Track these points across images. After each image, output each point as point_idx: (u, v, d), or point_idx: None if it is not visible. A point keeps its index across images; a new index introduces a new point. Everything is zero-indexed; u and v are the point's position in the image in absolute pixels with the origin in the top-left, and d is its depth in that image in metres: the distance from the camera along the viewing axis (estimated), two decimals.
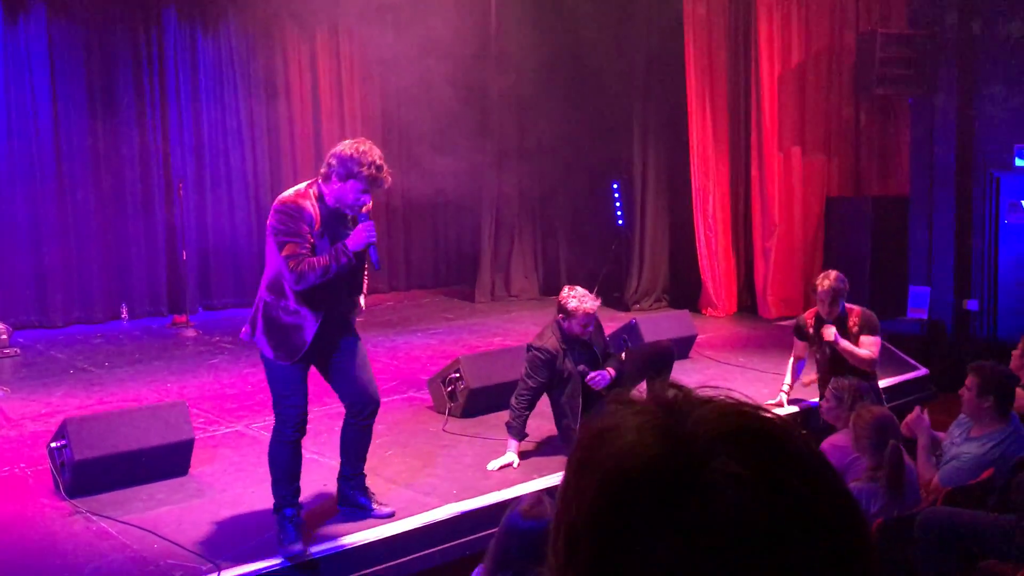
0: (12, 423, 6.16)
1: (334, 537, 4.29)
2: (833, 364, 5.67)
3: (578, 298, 5.22)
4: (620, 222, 11.29)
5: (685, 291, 10.56)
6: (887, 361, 6.69)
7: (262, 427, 5.75)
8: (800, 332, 5.97)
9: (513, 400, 5.22)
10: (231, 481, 5.06)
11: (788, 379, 6.15)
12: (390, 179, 4.10)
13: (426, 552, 4.41)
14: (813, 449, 0.69)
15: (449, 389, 6.24)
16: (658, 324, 8.04)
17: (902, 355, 7.75)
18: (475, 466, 5.25)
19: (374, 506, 4.48)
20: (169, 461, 5.04)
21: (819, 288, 5.67)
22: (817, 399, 5.73)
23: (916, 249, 8.87)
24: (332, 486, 4.63)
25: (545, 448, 5.50)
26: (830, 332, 5.60)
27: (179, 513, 4.59)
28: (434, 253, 12.40)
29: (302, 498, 4.29)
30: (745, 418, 0.68)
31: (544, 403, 5.40)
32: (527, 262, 11.77)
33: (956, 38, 8.43)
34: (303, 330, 4.05)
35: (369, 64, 11.39)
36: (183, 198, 9.95)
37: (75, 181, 9.73)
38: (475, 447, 5.58)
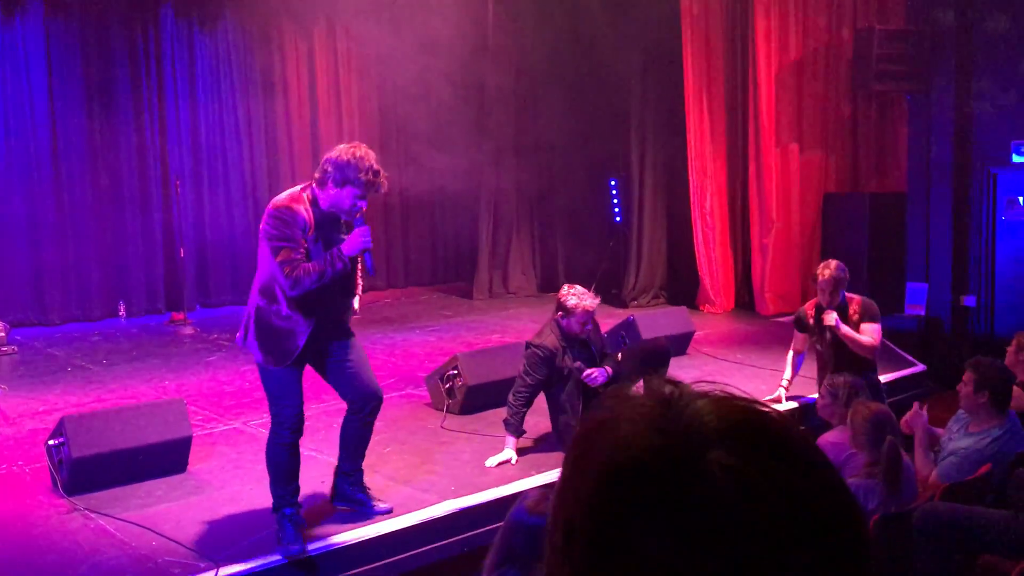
0: (10, 421, 6.16)
1: (332, 535, 4.29)
2: (836, 354, 5.63)
3: (578, 296, 5.23)
4: (618, 219, 11.30)
5: (683, 288, 10.56)
6: (885, 358, 6.69)
7: (260, 424, 5.74)
8: (800, 324, 5.95)
9: (511, 397, 5.23)
10: (229, 478, 5.06)
11: (788, 374, 6.14)
12: (387, 184, 4.07)
13: (424, 549, 4.41)
14: (809, 442, 0.69)
15: (447, 386, 6.24)
16: (656, 321, 8.05)
17: (900, 351, 7.76)
18: (473, 463, 5.25)
19: (372, 503, 4.46)
20: (167, 458, 5.04)
21: (820, 277, 5.66)
22: (815, 395, 5.73)
23: (913, 246, 8.87)
24: (330, 483, 4.62)
25: (543, 444, 5.50)
26: (831, 317, 5.57)
27: (177, 510, 4.58)
28: (432, 250, 12.39)
29: (300, 496, 4.28)
30: (741, 411, 0.68)
31: (541, 400, 5.40)
32: (525, 259, 11.77)
33: (954, 35, 8.43)
34: (295, 335, 4.02)
35: (367, 61, 11.38)
36: (180, 195, 9.93)
37: (72, 179, 9.71)
38: (473, 444, 5.58)
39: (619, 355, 5.75)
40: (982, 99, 8.41)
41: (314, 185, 4.02)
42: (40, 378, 7.37)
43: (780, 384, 6.17)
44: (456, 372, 6.23)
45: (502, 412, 5.32)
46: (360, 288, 4.41)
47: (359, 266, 4.27)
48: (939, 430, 4.85)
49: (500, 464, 5.15)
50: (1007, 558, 3.59)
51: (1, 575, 3.99)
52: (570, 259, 11.71)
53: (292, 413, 4.12)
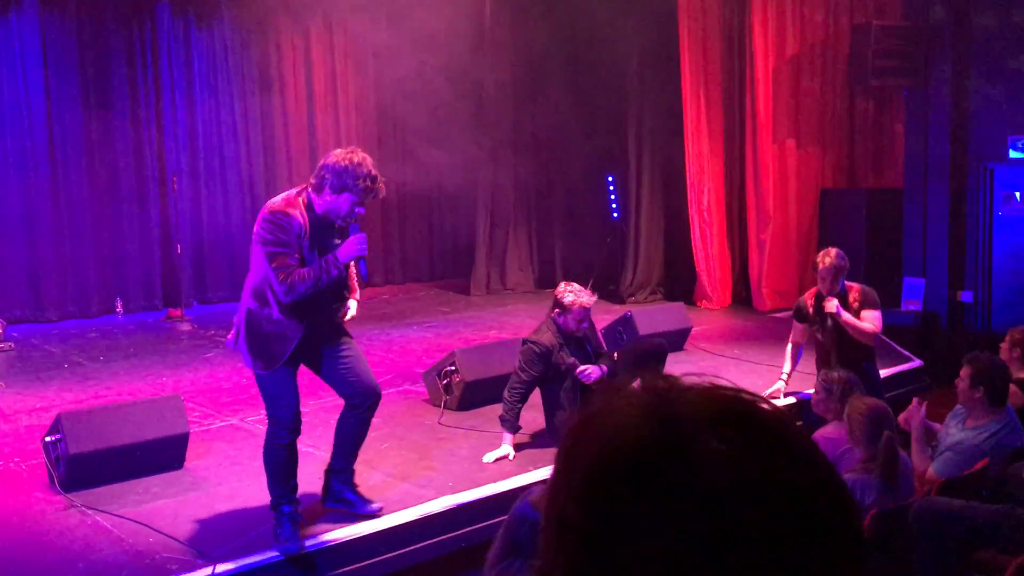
0: (6, 417, 6.15)
1: (330, 532, 4.28)
2: (838, 342, 5.61)
3: (574, 293, 5.22)
4: (615, 215, 11.29)
5: (680, 284, 10.57)
6: (882, 353, 6.69)
7: (257, 420, 5.74)
8: (800, 314, 5.89)
9: (506, 393, 5.23)
10: (226, 475, 5.05)
11: (787, 367, 6.08)
12: (384, 189, 4.04)
13: (422, 545, 4.41)
14: (797, 429, 0.69)
15: (444, 382, 6.24)
16: (653, 317, 8.05)
17: (897, 347, 7.76)
18: (471, 459, 5.25)
19: (361, 503, 4.38)
20: (164, 455, 5.03)
21: (820, 265, 5.62)
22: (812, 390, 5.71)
23: (910, 241, 8.88)
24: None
25: (540, 440, 5.50)
26: (832, 304, 5.54)
27: (174, 507, 4.58)
28: (429, 246, 12.39)
29: (298, 493, 4.27)
30: (730, 401, 0.69)
31: (538, 395, 5.40)
32: (522, 255, 11.76)
33: (951, 30, 8.43)
34: (285, 339, 3.99)
35: (363, 57, 11.37)
36: (177, 192, 9.92)
37: (69, 175, 9.70)
38: (471, 440, 5.58)
39: (615, 354, 5.75)
40: (979, 94, 8.41)
41: (310, 190, 3.97)
42: (37, 375, 7.36)
43: (779, 377, 6.12)
44: (454, 368, 6.23)
45: (500, 408, 5.32)
46: (357, 293, 4.36)
47: (352, 272, 4.24)
48: (936, 425, 4.85)
49: (497, 460, 5.16)
50: (1004, 553, 3.59)
51: None
52: (568, 255, 11.71)
53: (289, 414, 4.10)
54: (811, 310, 5.78)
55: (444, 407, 6.16)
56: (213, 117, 10.60)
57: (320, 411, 5.83)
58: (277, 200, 4.01)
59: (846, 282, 5.74)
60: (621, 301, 10.35)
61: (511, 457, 5.17)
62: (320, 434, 5.40)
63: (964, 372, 4.50)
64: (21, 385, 7.01)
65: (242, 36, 10.71)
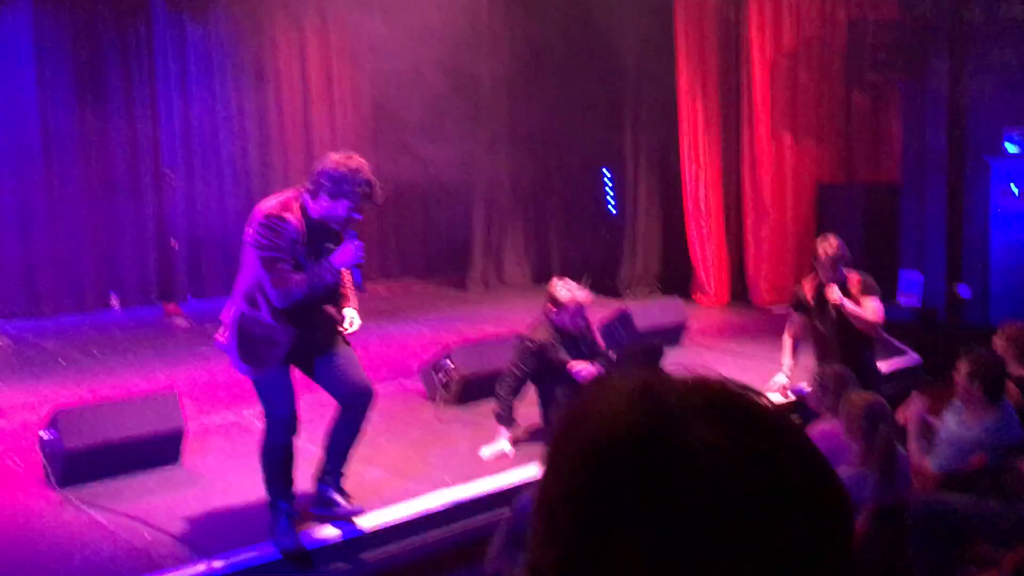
0: (2, 413, 6.13)
1: (327, 527, 4.27)
2: (839, 331, 5.56)
3: (569, 289, 5.20)
4: (612, 209, 11.28)
5: (677, 278, 10.56)
6: (879, 347, 6.68)
7: (253, 415, 5.72)
8: (799, 304, 5.80)
9: (497, 388, 5.22)
10: (223, 471, 5.04)
11: (787, 360, 5.96)
12: (381, 195, 4.01)
13: (419, 540, 4.41)
14: (786, 418, 0.70)
15: (441, 377, 6.23)
16: (650, 311, 8.05)
17: (894, 341, 7.76)
18: (468, 454, 5.25)
19: (343, 505, 4.25)
20: (160, 451, 5.02)
21: (821, 253, 5.53)
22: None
23: (908, 235, 8.88)
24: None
25: (538, 436, 5.49)
26: (835, 292, 5.47)
27: (170, 503, 4.57)
28: (425, 241, 12.37)
29: (295, 489, 4.25)
30: (718, 391, 0.70)
31: (535, 392, 5.40)
32: (519, 250, 11.74)
33: (947, 24, 8.42)
34: (274, 343, 3.96)
35: (359, 50, 11.32)
36: (173, 186, 9.88)
37: (63, 169, 9.66)
38: (468, 435, 5.57)
39: (612, 353, 5.74)
40: (976, 88, 8.40)
41: (306, 193, 3.93)
42: (32, 370, 7.34)
43: (780, 371, 6.00)
44: (450, 363, 6.22)
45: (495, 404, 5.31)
46: (353, 301, 4.33)
47: (347, 278, 4.22)
48: (933, 420, 4.85)
49: (495, 455, 5.15)
50: (1000, 547, 3.59)
51: None
52: (564, 250, 11.69)
53: (286, 414, 4.06)
54: (811, 300, 5.70)
55: (441, 402, 6.15)
56: (208, 111, 10.56)
57: (318, 405, 5.79)
58: (272, 203, 3.93)
59: (845, 271, 5.70)
60: (618, 296, 10.34)
61: (509, 452, 5.17)
62: (317, 428, 5.38)
63: (961, 367, 4.50)
64: (16, 381, 6.98)
65: (237, 30, 10.66)
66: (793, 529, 0.63)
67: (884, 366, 6.99)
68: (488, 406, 5.82)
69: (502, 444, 5.18)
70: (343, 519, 4.25)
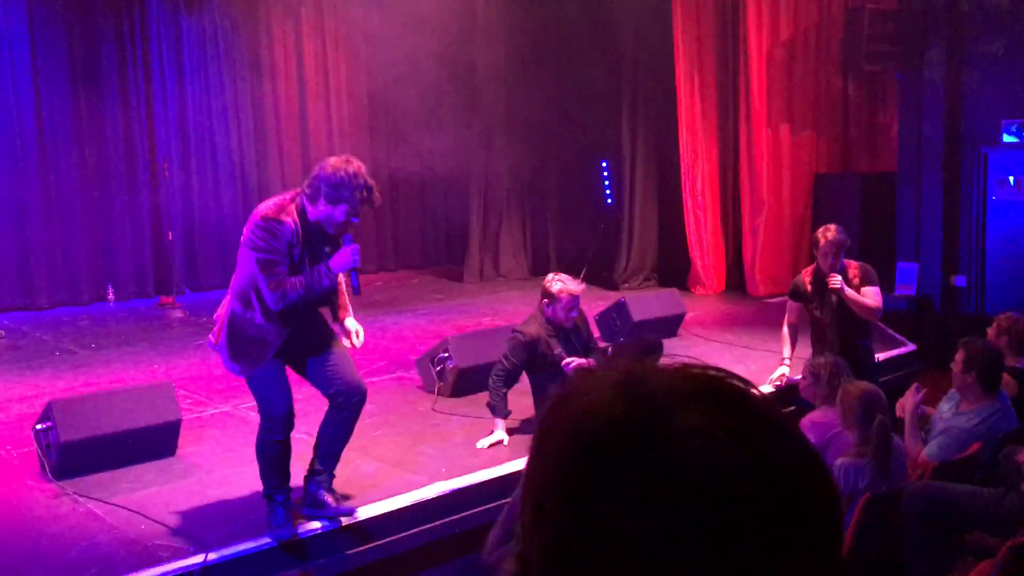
0: None
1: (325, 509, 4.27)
2: (838, 320, 5.54)
3: (562, 281, 5.18)
4: (609, 201, 11.27)
5: (674, 269, 10.56)
6: (876, 337, 6.68)
7: (249, 407, 5.72)
8: (797, 293, 5.76)
9: (490, 380, 5.22)
10: (219, 462, 5.04)
11: (787, 351, 5.92)
12: (380, 199, 4.00)
13: (415, 531, 4.41)
14: (771, 404, 0.69)
15: (438, 369, 6.23)
16: (647, 303, 8.05)
17: (890, 331, 7.77)
18: (464, 444, 5.25)
19: (336, 506, 4.24)
20: (156, 442, 5.01)
21: (822, 241, 5.50)
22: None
23: (904, 226, 8.88)
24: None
25: (533, 427, 5.48)
26: (836, 280, 5.45)
27: (167, 494, 4.57)
28: (422, 233, 12.36)
29: (291, 481, 4.24)
30: (703, 377, 0.70)
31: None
32: (516, 241, 11.73)
33: (945, 13, 8.40)
34: (265, 344, 3.95)
35: (355, 41, 11.30)
36: (168, 178, 9.86)
37: (59, 161, 9.63)
38: (464, 426, 5.58)
39: (609, 349, 5.72)
40: (973, 78, 8.39)
41: (304, 198, 3.91)
42: (28, 362, 7.33)
43: (782, 362, 5.97)
44: (447, 355, 6.21)
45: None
46: (350, 311, 4.32)
47: (343, 284, 4.21)
48: (929, 409, 4.86)
49: (492, 446, 5.15)
50: (995, 536, 3.60)
51: None
52: (561, 241, 11.69)
53: (282, 412, 4.04)
54: (809, 288, 5.66)
55: (437, 394, 6.15)
56: (203, 102, 10.53)
57: (313, 398, 5.79)
58: (269, 206, 3.92)
59: (844, 260, 5.68)
60: (615, 287, 10.34)
61: (505, 442, 5.17)
62: (314, 421, 5.38)
63: (958, 356, 4.50)
64: (12, 373, 6.98)
65: (232, 20, 10.63)
66: (779, 513, 0.63)
67: (880, 355, 7.00)
68: (484, 397, 5.80)
69: (498, 434, 5.19)
70: (333, 520, 4.24)
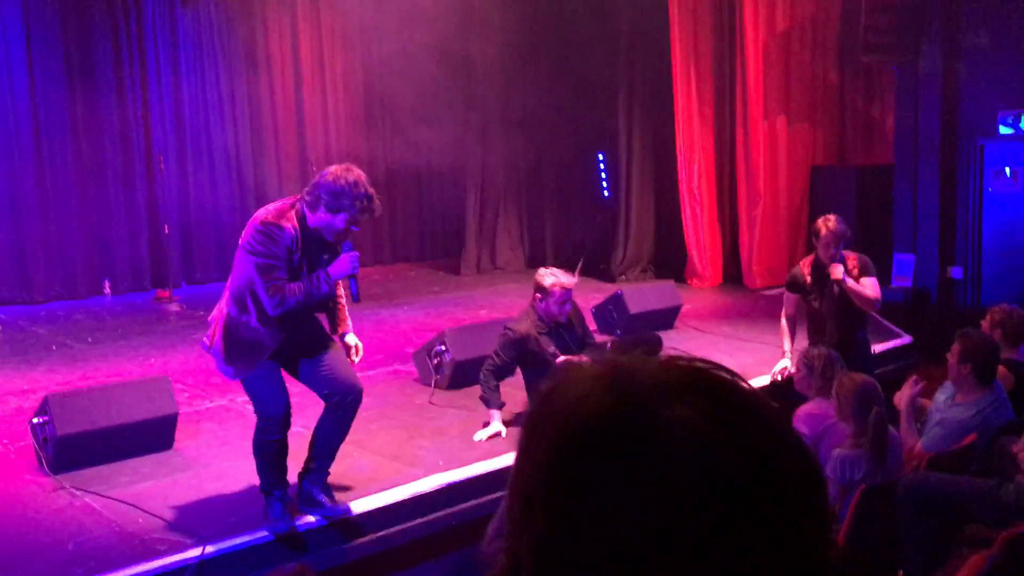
0: None
1: (320, 508, 4.27)
2: (838, 311, 5.52)
3: (554, 275, 5.16)
4: (606, 193, 11.26)
5: (671, 261, 10.56)
6: (872, 328, 6.69)
7: (246, 401, 5.70)
8: (796, 285, 5.73)
9: (480, 374, 5.23)
10: (216, 455, 5.04)
11: (788, 344, 5.90)
12: (380, 208, 4.00)
13: (413, 523, 4.42)
14: (759, 395, 0.69)
15: (435, 361, 6.23)
16: (644, 295, 8.05)
17: (886, 323, 7.78)
18: (461, 437, 5.25)
19: (332, 506, 4.25)
20: (153, 436, 5.02)
21: (823, 231, 5.47)
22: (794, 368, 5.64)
23: (901, 218, 8.88)
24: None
25: None
26: (839, 270, 5.43)
27: (164, 488, 4.57)
28: (419, 225, 12.34)
29: (289, 474, 4.24)
30: (690, 369, 0.70)
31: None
32: (513, 234, 11.73)
33: (942, 5, 8.39)
34: (260, 347, 3.95)
35: (351, 34, 11.26)
36: (164, 172, 9.84)
37: (54, 154, 9.60)
38: (461, 418, 5.58)
39: (608, 344, 5.71)
40: (969, 70, 8.39)
41: (304, 205, 3.92)
42: (24, 356, 7.32)
43: (783, 355, 5.93)
44: (444, 347, 6.22)
45: None
46: (350, 326, 4.33)
47: (343, 295, 4.22)
48: (925, 401, 4.87)
49: (489, 438, 5.15)
50: (991, 527, 3.61)
51: None
52: (558, 234, 11.68)
53: (279, 412, 4.03)
54: (809, 280, 5.64)
55: (434, 386, 6.16)
56: (199, 96, 10.50)
57: (310, 392, 5.80)
58: (269, 211, 3.93)
59: (843, 251, 5.67)
60: (612, 279, 10.34)
61: (503, 434, 5.17)
62: (311, 414, 5.38)
63: (954, 348, 4.51)
64: (8, 367, 6.97)
65: (228, 14, 10.59)
66: (769, 503, 0.63)
67: (876, 347, 7.02)
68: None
69: (495, 426, 5.19)
70: (326, 519, 4.24)
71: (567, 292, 5.13)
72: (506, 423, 5.26)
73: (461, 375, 6.12)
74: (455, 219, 11.82)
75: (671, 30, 9.84)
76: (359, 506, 4.34)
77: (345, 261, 3.92)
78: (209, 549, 3.90)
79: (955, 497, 3.83)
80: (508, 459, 4.81)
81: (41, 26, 9.44)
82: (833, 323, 5.56)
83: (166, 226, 9.78)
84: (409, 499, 4.49)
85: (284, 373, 4.13)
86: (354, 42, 11.32)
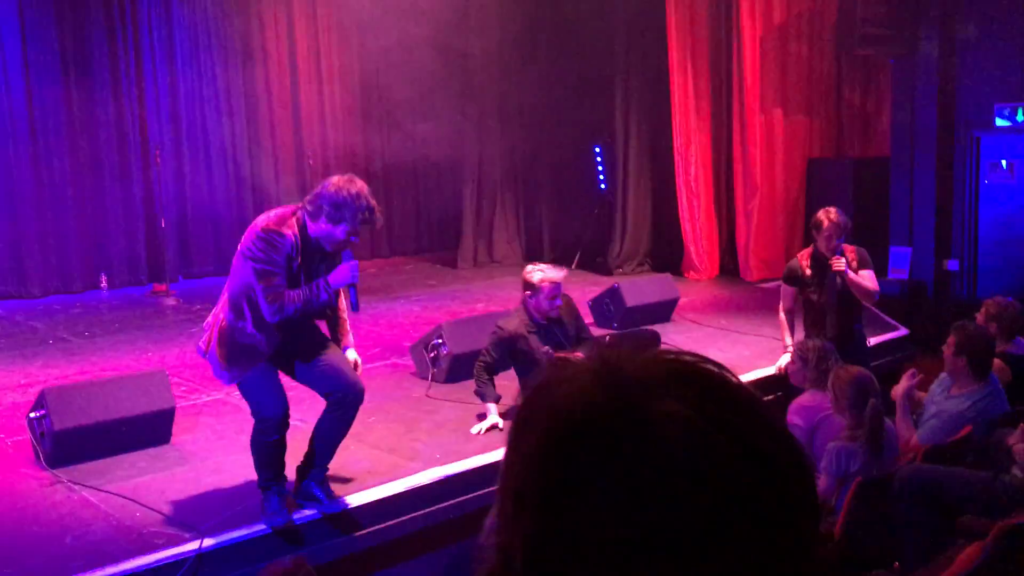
0: None
1: (317, 504, 4.28)
2: (838, 303, 5.53)
3: (542, 270, 5.15)
4: (603, 186, 11.26)
5: (667, 254, 10.57)
6: (868, 321, 6.71)
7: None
8: (794, 278, 5.70)
9: (474, 370, 5.24)
10: (213, 449, 5.05)
11: (788, 338, 5.85)
12: (381, 219, 4.01)
13: (410, 516, 4.42)
14: (748, 389, 0.70)
15: (432, 355, 6.24)
16: (640, 288, 8.05)
17: (883, 315, 7.79)
18: (458, 430, 5.26)
19: (330, 501, 4.27)
20: (150, 430, 5.01)
21: (825, 223, 5.46)
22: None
23: (897, 210, 8.89)
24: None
25: None
26: (842, 262, 5.42)
27: (161, 481, 4.57)
28: (416, 219, 12.32)
29: (287, 468, 4.24)
30: (679, 364, 0.70)
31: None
32: (510, 227, 11.72)
33: None
34: (257, 352, 3.95)
35: (347, 27, 11.23)
36: (160, 165, 9.81)
37: (50, 148, 9.58)
38: (458, 412, 5.59)
39: (606, 338, 5.70)
40: (965, 63, 8.39)
41: (306, 214, 3.91)
42: (21, 351, 7.31)
43: (785, 348, 5.86)
44: (441, 341, 6.22)
45: None
46: (351, 340, 4.33)
47: (344, 308, 4.22)
48: (920, 394, 4.88)
49: (487, 431, 5.16)
50: (986, 518, 3.63)
51: None
52: (555, 227, 11.68)
53: (277, 414, 4.02)
54: (808, 272, 5.63)
55: (431, 380, 6.16)
56: (195, 89, 10.47)
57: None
58: (271, 218, 3.93)
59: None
60: (609, 273, 10.35)
61: (500, 426, 5.17)
62: (308, 407, 5.38)
63: (950, 340, 4.53)
64: (5, 361, 6.96)
65: (223, 7, 10.55)
66: (759, 495, 0.63)
67: (872, 339, 7.03)
68: None
69: (492, 418, 5.19)
70: (324, 513, 4.25)
71: (556, 286, 5.11)
72: (503, 415, 5.26)
73: (458, 368, 6.13)
74: (452, 213, 11.81)
75: (667, 23, 9.83)
76: (356, 499, 4.35)
77: (345, 270, 3.93)
78: (207, 542, 3.91)
79: (951, 489, 3.85)
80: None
81: (36, 20, 9.40)
82: (833, 315, 5.56)
83: (162, 220, 9.77)
84: (407, 492, 4.49)
85: (282, 375, 4.13)
86: (351, 36, 11.29)
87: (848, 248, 5.66)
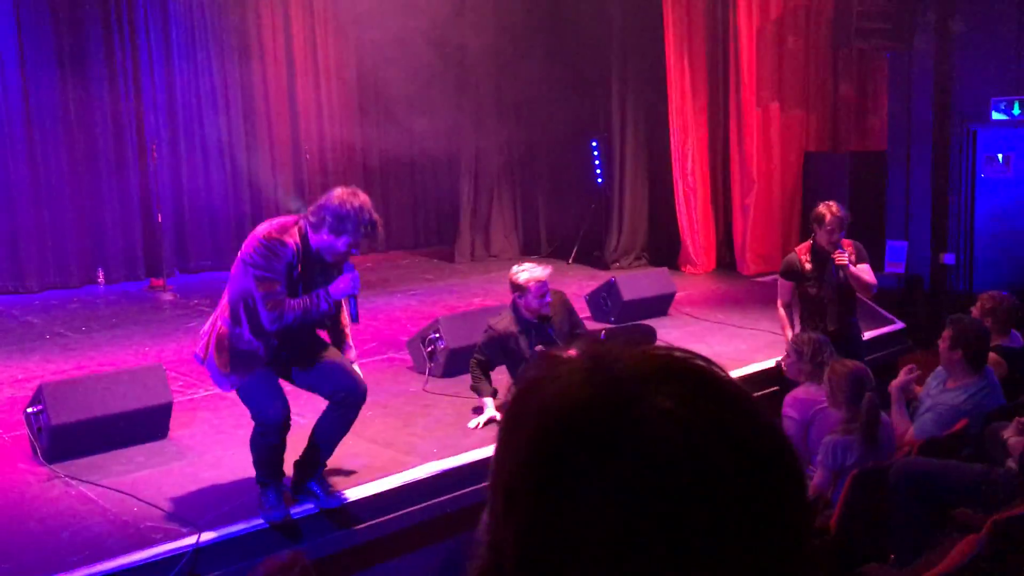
0: None
1: (315, 499, 4.29)
2: (837, 297, 5.53)
3: (527, 270, 5.14)
4: (599, 180, 11.26)
5: (664, 248, 10.58)
6: (864, 315, 6.72)
7: None
8: (793, 272, 5.66)
9: (470, 366, 5.25)
10: (210, 444, 5.05)
11: (789, 333, 5.72)
12: (383, 232, 4.01)
13: (407, 511, 4.43)
14: (737, 385, 0.70)
15: (429, 349, 6.24)
16: (637, 282, 8.06)
17: (879, 309, 7.80)
18: (455, 425, 5.27)
19: (327, 496, 4.27)
20: (148, 425, 5.02)
21: (828, 216, 5.44)
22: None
23: (893, 204, 8.90)
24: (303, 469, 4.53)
25: None
26: (844, 256, 5.41)
27: (158, 476, 4.58)
28: (413, 213, 12.32)
29: (285, 464, 4.24)
30: (669, 359, 0.69)
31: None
32: (507, 222, 11.72)
33: None
34: (255, 358, 3.95)
35: (344, 22, 11.20)
36: (157, 160, 9.80)
37: (47, 143, 9.56)
38: (455, 406, 5.59)
39: (603, 334, 5.70)
40: (962, 56, 8.39)
41: (308, 225, 3.92)
42: (18, 346, 7.31)
43: (786, 343, 5.98)
44: (438, 335, 6.22)
45: None
46: (353, 352, 4.34)
47: (346, 321, 4.24)
48: (916, 388, 4.89)
49: (484, 424, 5.16)
50: (980, 511, 3.64)
51: None
52: (552, 221, 11.68)
53: (278, 418, 4.00)
54: (807, 266, 5.61)
55: (428, 374, 6.17)
56: (192, 84, 10.46)
57: None
58: (273, 226, 3.93)
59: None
60: (606, 267, 10.35)
61: (498, 419, 5.18)
62: (306, 402, 5.38)
63: (945, 334, 4.54)
64: (2, 356, 6.96)
65: (220, 1, 10.53)
66: (750, 491, 0.63)
67: (868, 333, 7.05)
68: None
69: (489, 412, 5.20)
70: (321, 507, 4.25)
71: (543, 284, 5.09)
72: (500, 409, 5.27)
73: (455, 363, 6.13)
74: (449, 206, 11.81)
75: (664, 17, 9.83)
76: (354, 494, 4.35)
77: (346, 280, 3.94)
78: (204, 537, 3.91)
79: (946, 482, 3.86)
80: None
81: (32, 15, 9.38)
82: (833, 309, 5.56)
83: (159, 215, 9.76)
84: (404, 487, 4.50)
85: (282, 381, 4.12)
86: (347, 30, 11.27)
87: (845, 242, 5.66)
